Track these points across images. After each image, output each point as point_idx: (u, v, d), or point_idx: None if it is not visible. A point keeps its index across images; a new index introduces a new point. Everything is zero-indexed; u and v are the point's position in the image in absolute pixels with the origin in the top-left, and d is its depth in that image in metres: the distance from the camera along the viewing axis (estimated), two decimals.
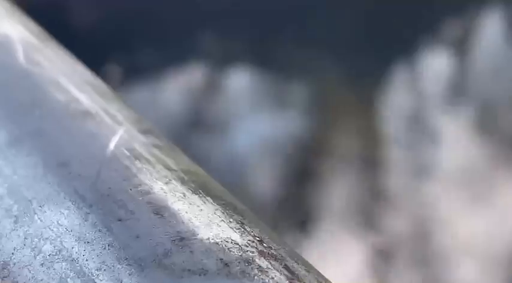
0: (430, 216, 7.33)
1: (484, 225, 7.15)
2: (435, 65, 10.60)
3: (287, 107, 9.41)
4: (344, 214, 7.33)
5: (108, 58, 10.67)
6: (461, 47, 11.10)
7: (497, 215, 7.30)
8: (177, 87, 10.01)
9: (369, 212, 7.42)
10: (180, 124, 9.14)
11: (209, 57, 10.57)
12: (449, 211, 7.39)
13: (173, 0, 11.56)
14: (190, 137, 8.82)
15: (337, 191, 7.66)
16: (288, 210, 7.56)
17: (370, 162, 8.24)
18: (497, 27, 11.79)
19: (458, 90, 9.77)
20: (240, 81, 10.10)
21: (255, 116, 9.22)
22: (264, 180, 7.94)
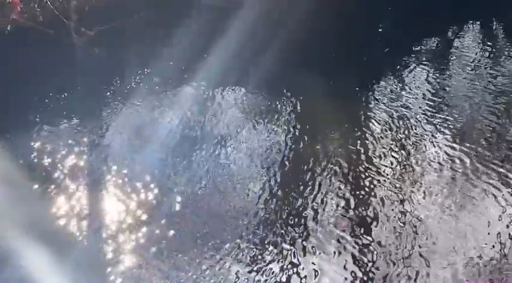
0: (413, 220, 7.72)
1: (463, 229, 7.51)
2: (413, 80, 11.11)
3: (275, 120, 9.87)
4: (330, 218, 7.72)
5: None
6: (438, 63, 11.61)
7: (475, 219, 7.68)
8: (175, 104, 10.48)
9: (353, 215, 7.80)
10: (178, 138, 9.60)
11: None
12: (430, 215, 7.74)
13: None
14: (187, 149, 9.26)
15: (323, 197, 8.07)
16: (276, 215, 7.96)
17: (353, 169, 8.65)
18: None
19: (437, 102, 10.24)
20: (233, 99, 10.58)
21: (247, 129, 9.68)
22: (254, 189, 8.35)
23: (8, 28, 10.73)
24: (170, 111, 10.26)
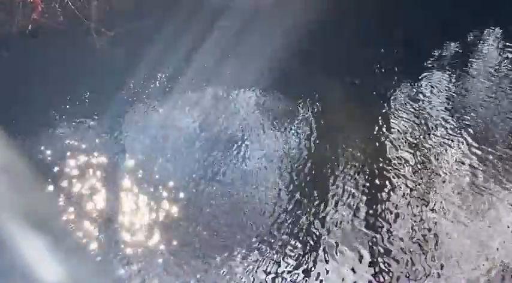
0: (433, 225, 7.68)
1: (484, 234, 7.47)
2: (434, 83, 11.03)
3: (295, 123, 9.86)
4: (349, 222, 7.69)
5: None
6: (458, 67, 11.53)
7: (496, 224, 7.62)
8: (194, 107, 10.48)
9: (373, 218, 7.78)
10: (198, 139, 9.60)
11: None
12: (451, 219, 7.71)
13: None
14: (207, 151, 9.27)
15: (341, 200, 8.05)
16: (296, 218, 7.95)
17: (372, 172, 8.63)
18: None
19: (458, 106, 10.17)
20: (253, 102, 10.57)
21: (266, 132, 9.68)
22: (272, 191, 8.35)
23: (29, 28, 10.81)
24: (191, 112, 10.26)
